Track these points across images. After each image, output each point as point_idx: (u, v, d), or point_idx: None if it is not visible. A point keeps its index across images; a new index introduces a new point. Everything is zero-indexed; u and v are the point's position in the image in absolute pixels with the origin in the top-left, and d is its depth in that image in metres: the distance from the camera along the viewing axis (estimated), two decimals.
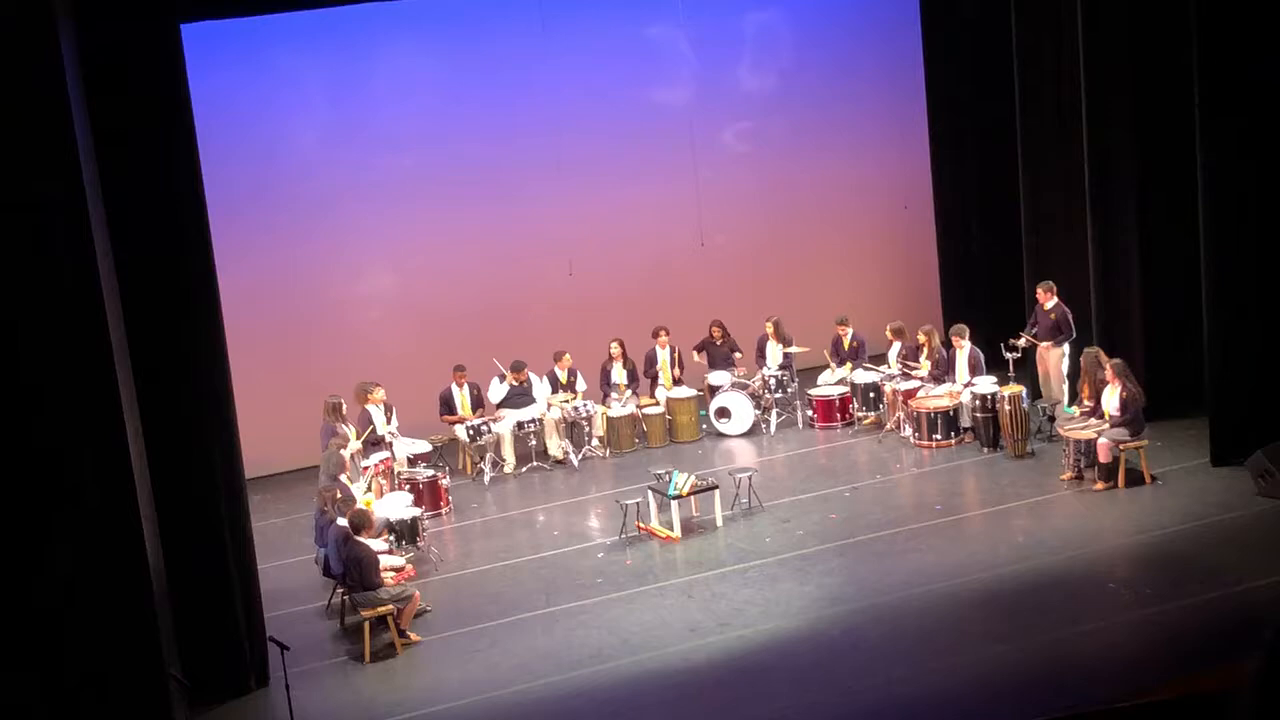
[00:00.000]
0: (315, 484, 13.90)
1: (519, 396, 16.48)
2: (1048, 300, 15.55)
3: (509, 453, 16.35)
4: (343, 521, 12.10)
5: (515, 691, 10.67)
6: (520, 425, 16.25)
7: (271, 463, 16.48)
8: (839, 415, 16.82)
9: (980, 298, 17.92)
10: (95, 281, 8.77)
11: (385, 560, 12.20)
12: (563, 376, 16.73)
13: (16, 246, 8.48)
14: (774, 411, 17.10)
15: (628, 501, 13.78)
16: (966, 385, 15.62)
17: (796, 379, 17.30)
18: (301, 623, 12.39)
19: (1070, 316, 15.49)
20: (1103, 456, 13.64)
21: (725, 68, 18.88)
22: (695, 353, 17.57)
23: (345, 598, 12.13)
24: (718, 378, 17.33)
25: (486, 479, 16.06)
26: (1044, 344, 15.63)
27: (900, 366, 16.46)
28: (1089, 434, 13.81)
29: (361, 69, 17.15)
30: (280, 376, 16.59)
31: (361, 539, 11.88)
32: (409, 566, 12.99)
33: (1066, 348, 15.54)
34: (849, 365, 17.10)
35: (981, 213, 18.10)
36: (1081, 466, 13.96)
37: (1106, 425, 13.71)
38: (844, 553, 12.83)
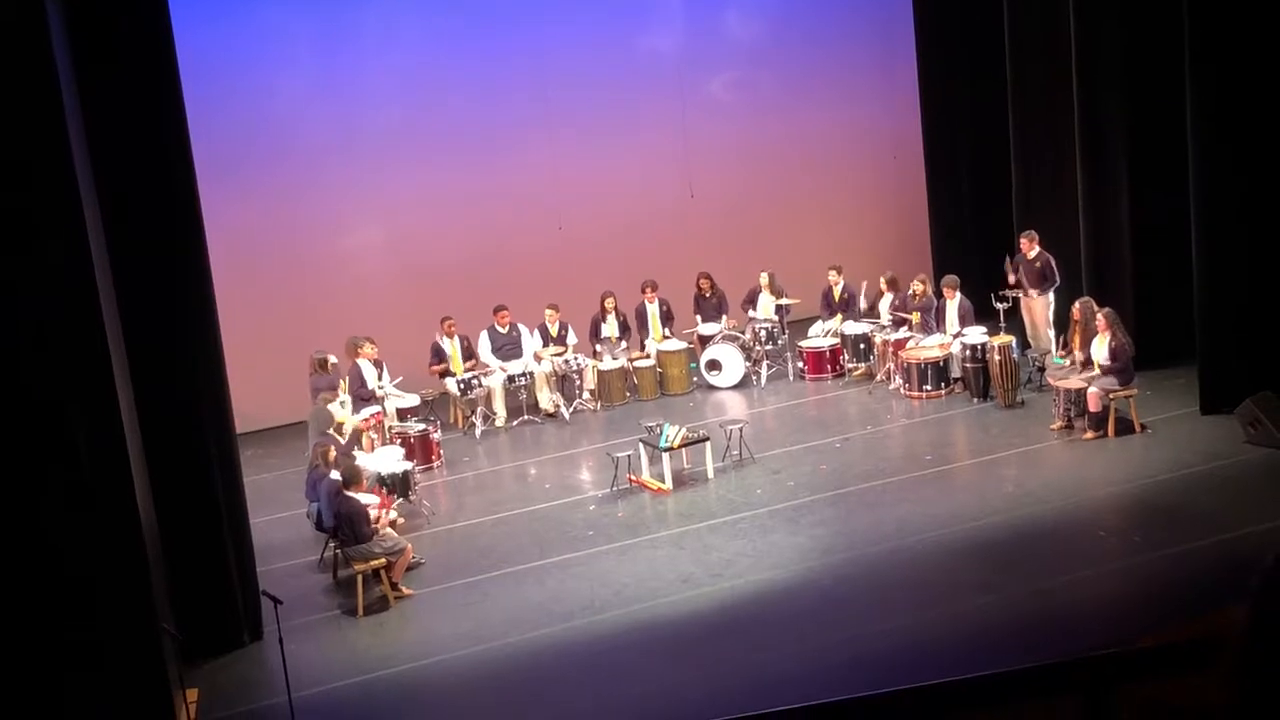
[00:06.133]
0: (306, 439, 13.89)
1: (509, 348, 16.46)
2: (1030, 249, 15.57)
3: (500, 406, 16.36)
4: (334, 476, 12.11)
5: (507, 644, 10.71)
6: (511, 379, 16.25)
7: (262, 417, 16.49)
8: (829, 367, 16.84)
9: (970, 248, 17.88)
10: (83, 238, 8.71)
11: (362, 499, 12.11)
12: (553, 329, 16.70)
13: (2, 205, 8.41)
14: (764, 364, 17.11)
15: (619, 454, 13.79)
16: (956, 336, 15.64)
17: (787, 331, 17.29)
18: (294, 577, 12.42)
19: (1054, 263, 15.50)
20: (1092, 406, 13.67)
21: (713, 17, 18.78)
22: (698, 318, 17.53)
23: (337, 551, 12.16)
24: (708, 329, 17.34)
25: (478, 432, 16.07)
26: (1031, 292, 15.63)
27: (892, 317, 16.46)
28: (1079, 383, 13.83)
29: (348, 22, 17.03)
30: (271, 331, 16.56)
31: (352, 493, 11.88)
32: (386, 497, 12.93)
33: (1052, 296, 15.56)
34: (839, 316, 17.10)
35: (972, 163, 18.03)
36: (1071, 416, 14.00)
37: (1096, 374, 13.73)
38: (835, 503, 12.87)
